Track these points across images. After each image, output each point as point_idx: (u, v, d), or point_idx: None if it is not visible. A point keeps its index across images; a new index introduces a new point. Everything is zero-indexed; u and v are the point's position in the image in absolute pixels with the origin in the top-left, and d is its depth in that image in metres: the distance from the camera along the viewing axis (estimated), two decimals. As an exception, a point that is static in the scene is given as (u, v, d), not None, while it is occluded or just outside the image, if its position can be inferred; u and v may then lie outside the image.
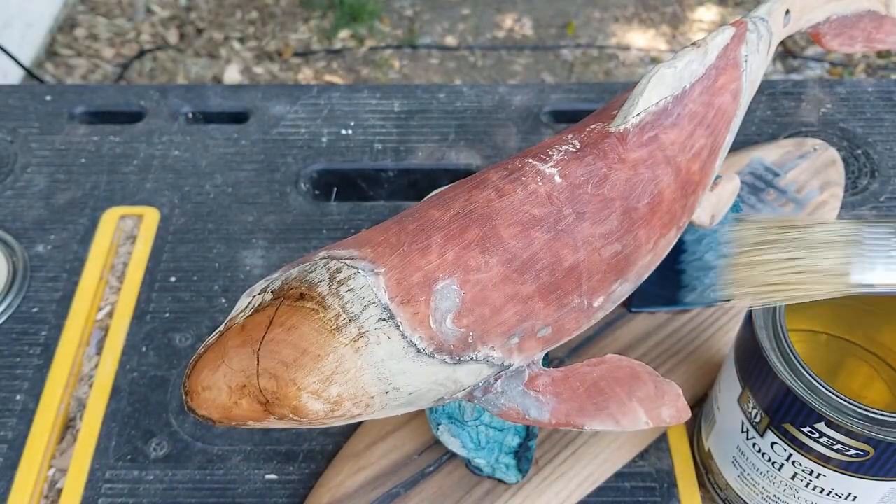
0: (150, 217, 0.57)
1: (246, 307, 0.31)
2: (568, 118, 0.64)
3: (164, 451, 0.45)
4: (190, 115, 0.65)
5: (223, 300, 0.52)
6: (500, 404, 0.33)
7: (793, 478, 0.36)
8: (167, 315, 0.51)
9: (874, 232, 0.23)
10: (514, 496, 0.42)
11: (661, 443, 0.45)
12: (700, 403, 0.45)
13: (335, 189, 0.61)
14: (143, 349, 0.50)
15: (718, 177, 0.43)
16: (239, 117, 0.65)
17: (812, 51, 1.72)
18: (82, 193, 0.58)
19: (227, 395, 0.29)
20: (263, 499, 0.44)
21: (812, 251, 0.25)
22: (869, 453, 0.32)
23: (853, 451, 0.33)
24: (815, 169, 0.57)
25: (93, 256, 0.54)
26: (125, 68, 1.69)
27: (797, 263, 0.26)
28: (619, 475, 0.44)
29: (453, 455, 0.43)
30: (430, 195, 0.35)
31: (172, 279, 0.53)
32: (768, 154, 0.58)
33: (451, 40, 1.79)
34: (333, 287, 0.30)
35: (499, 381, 0.33)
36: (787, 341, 0.34)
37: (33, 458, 0.45)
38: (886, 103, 0.64)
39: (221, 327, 0.31)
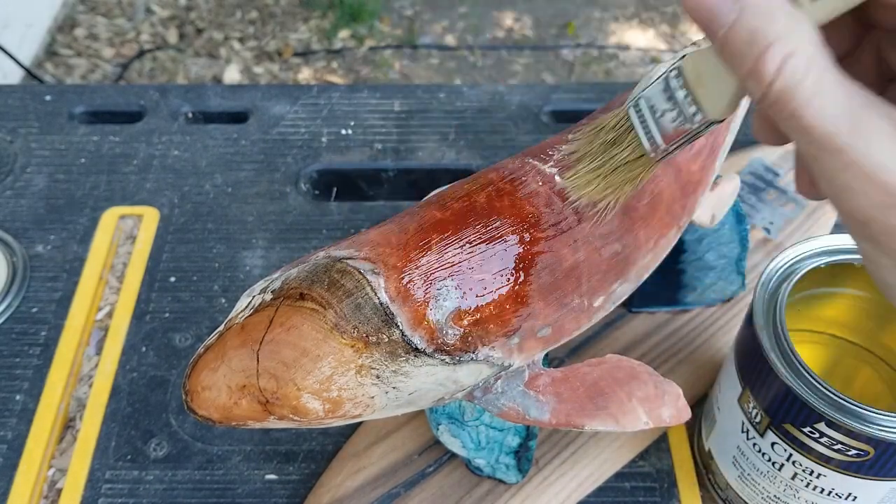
0: (150, 217, 0.57)
1: (246, 307, 0.31)
2: (568, 118, 0.64)
3: (164, 451, 0.45)
4: (190, 115, 0.65)
5: (223, 300, 0.52)
6: (500, 404, 0.33)
7: (793, 478, 0.36)
8: (167, 315, 0.51)
9: (637, 108, 0.28)
10: (515, 496, 0.42)
11: (661, 443, 0.45)
12: (700, 403, 0.45)
13: (335, 189, 0.61)
14: (143, 349, 0.50)
15: (718, 177, 0.43)
16: (239, 117, 0.65)
17: (812, 51, 1.72)
18: (82, 193, 0.58)
19: (227, 395, 0.29)
20: (263, 499, 0.44)
21: (611, 150, 0.29)
22: (869, 453, 0.32)
23: (853, 451, 0.33)
24: (815, 169, 0.57)
25: (92, 256, 0.54)
26: (125, 68, 1.69)
27: (608, 165, 0.30)
28: (619, 475, 0.44)
29: (453, 455, 0.43)
30: (430, 195, 0.35)
31: (172, 279, 0.53)
32: (768, 154, 0.58)
33: (450, 40, 1.79)
34: (333, 287, 0.30)
35: (499, 382, 0.33)
36: (787, 341, 0.34)
37: (33, 458, 0.45)
38: (886, 103, 0.63)
39: (221, 327, 0.31)
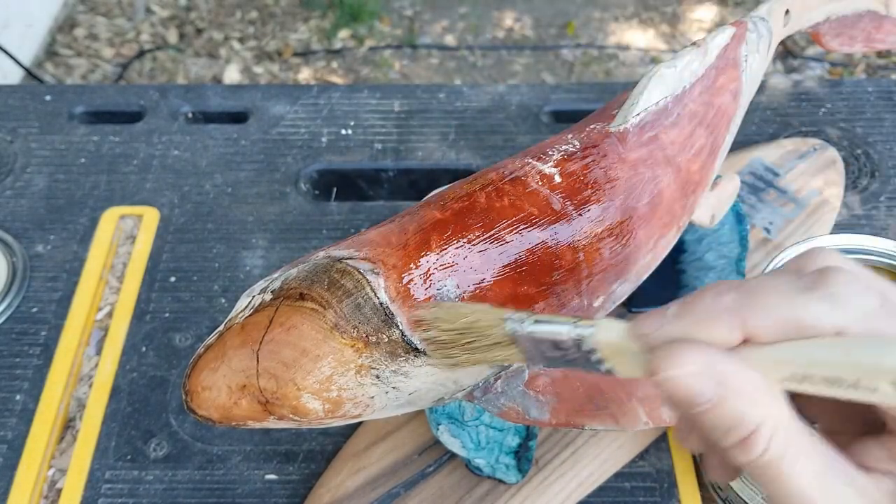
0: (150, 217, 0.57)
1: (246, 307, 0.31)
2: (568, 118, 0.64)
3: (164, 451, 0.45)
4: (190, 115, 0.65)
5: (223, 300, 0.52)
6: (500, 404, 0.33)
7: (793, 478, 0.36)
8: (167, 315, 0.51)
9: (524, 332, 0.26)
10: (514, 496, 0.42)
11: (661, 443, 0.45)
12: (700, 403, 0.45)
13: (335, 189, 0.61)
14: (143, 349, 0.50)
15: (718, 177, 0.43)
16: (239, 117, 0.65)
17: (812, 51, 1.72)
18: (82, 193, 0.58)
19: (227, 395, 0.29)
20: (263, 499, 0.44)
21: (482, 350, 0.28)
22: (869, 453, 0.32)
23: (853, 451, 0.33)
24: (816, 169, 0.57)
25: (92, 256, 0.54)
26: (125, 68, 1.69)
27: (476, 354, 0.28)
28: (619, 475, 0.44)
29: (453, 455, 0.43)
30: (430, 195, 0.35)
31: (172, 279, 0.53)
32: (768, 154, 0.58)
33: (450, 40, 1.79)
34: (333, 287, 0.30)
35: (499, 381, 0.33)
36: (787, 341, 0.34)
37: (33, 458, 0.45)
38: (886, 103, 0.64)
39: (221, 327, 0.31)
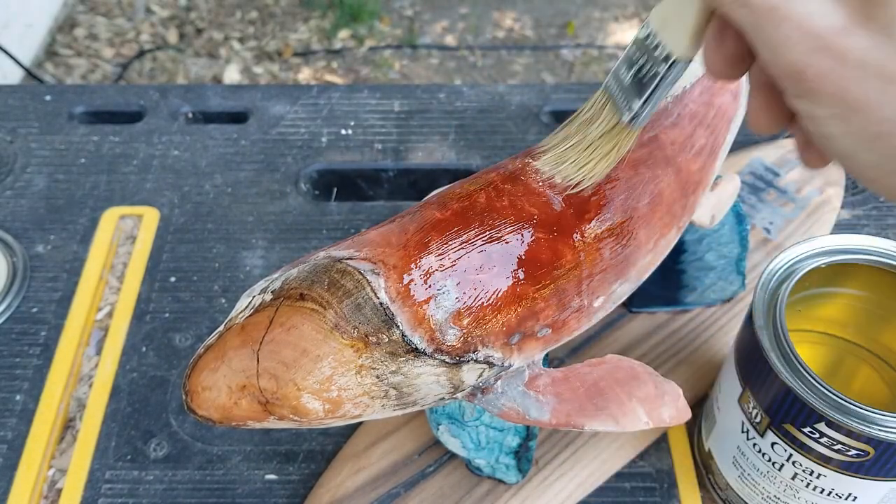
0: (150, 217, 0.57)
1: (246, 307, 0.31)
2: (568, 118, 0.64)
3: (164, 451, 0.45)
4: (190, 115, 0.65)
5: (223, 300, 0.52)
6: (500, 404, 0.33)
7: (793, 478, 0.36)
8: (167, 315, 0.51)
9: (609, 86, 0.30)
10: (514, 496, 0.42)
11: (661, 443, 0.45)
12: (700, 403, 0.45)
13: (335, 189, 0.61)
14: (143, 349, 0.50)
15: (719, 177, 0.43)
16: (239, 117, 0.65)
17: (812, 51, 1.72)
18: (82, 193, 0.58)
19: (227, 395, 0.29)
20: (263, 499, 0.44)
21: (586, 129, 0.32)
22: (869, 453, 0.32)
23: (853, 452, 0.33)
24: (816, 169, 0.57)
25: (92, 256, 0.54)
26: (125, 68, 1.69)
27: (584, 142, 0.32)
28: (619, 475, 0.44)
29: (453, 455, 0.43)
30: (430, 195, 0.35)
31: (172, 279, 0.53)
32: (768, 154, 0.58)
33: (450, 40, 1.79)
34: (333, 287, 0.30)
35: (499, 382, 0.33)
36: (787, 341, 0.34)
37: (33, 458, 0.45)
38: (886, 103, 0.63)
39: (221, 327, 0.31)
